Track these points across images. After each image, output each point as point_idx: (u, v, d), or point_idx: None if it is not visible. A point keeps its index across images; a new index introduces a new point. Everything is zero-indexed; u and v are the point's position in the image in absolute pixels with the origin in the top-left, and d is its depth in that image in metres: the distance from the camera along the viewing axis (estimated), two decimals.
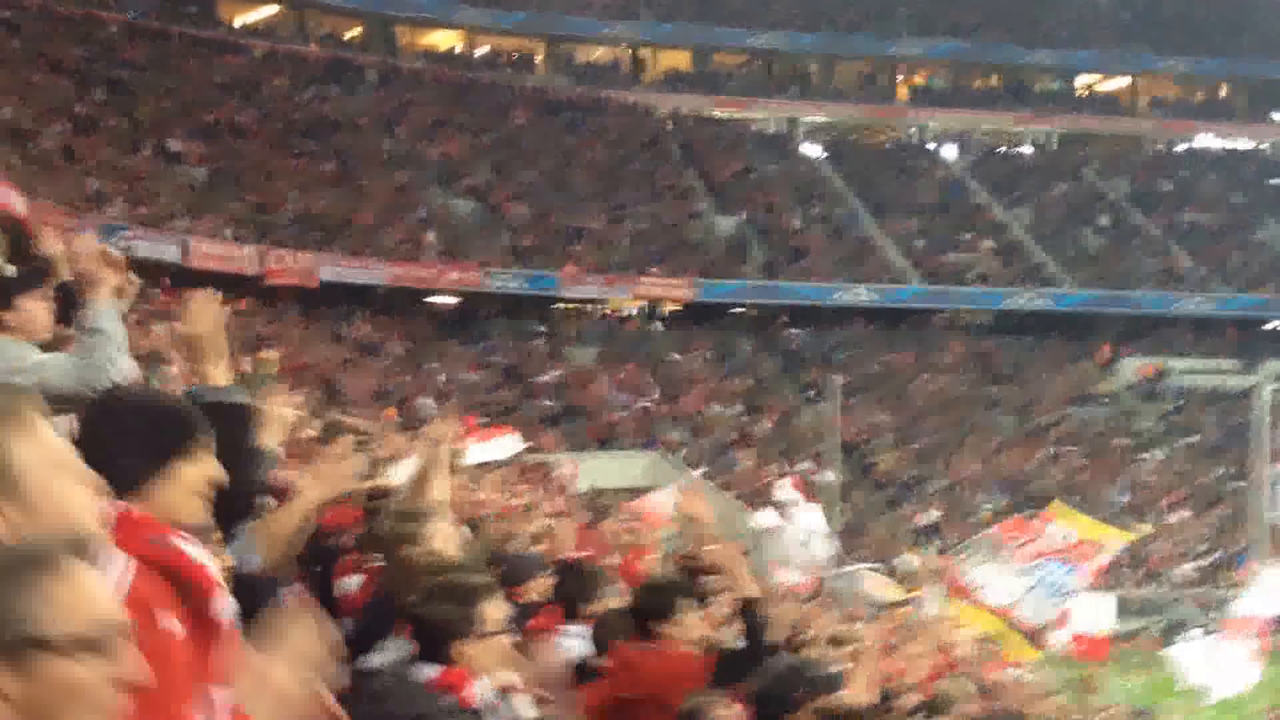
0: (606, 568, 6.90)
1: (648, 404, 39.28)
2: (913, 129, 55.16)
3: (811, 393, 40.76)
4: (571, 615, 5.55)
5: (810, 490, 26.59)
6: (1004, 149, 55.26)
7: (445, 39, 51.74)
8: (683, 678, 4.77)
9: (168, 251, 32.50)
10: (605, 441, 36.34)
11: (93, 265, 3.81)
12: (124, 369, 3.75)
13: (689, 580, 5.70)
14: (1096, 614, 19.54)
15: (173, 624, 2.30)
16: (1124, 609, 26.33)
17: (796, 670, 4.96)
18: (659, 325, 44.10)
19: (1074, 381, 44.79)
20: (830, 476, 34.90)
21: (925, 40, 53.97)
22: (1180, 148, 55.95)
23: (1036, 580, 17.68)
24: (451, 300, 40.78)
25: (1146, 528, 34.15)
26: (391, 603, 4.06)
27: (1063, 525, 18.02)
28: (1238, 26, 55.90)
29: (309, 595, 3.69)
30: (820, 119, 53.68)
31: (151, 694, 2.01)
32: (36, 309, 4.09)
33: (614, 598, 5.71)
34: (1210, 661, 13.56)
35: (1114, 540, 18.85)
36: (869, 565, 25.28)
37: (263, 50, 45.69)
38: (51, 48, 38.84)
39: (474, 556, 4.76)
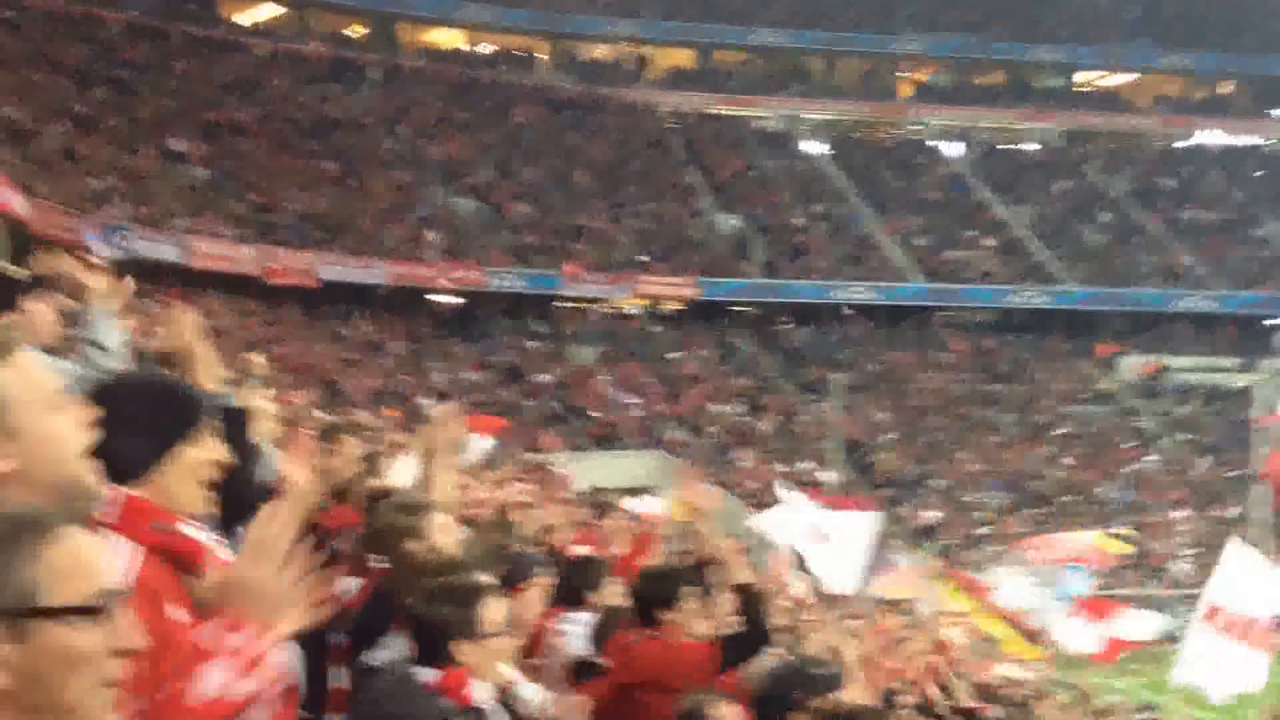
0: (608, 560, 6.91)
1: (649, 403, 39.29)
2: (914, 126, 55.09)
3: (813, 391, 40.77)
4: (576, 605, 5.57)
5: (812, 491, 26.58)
6: (1006, 146, 55.22)
7: (447, 37, 51.73)
8: (684, 663, 4.79)
9: (169, 251, 32.53)
10: (606, 440, 36.35)
11: (77, 275, 3.84)
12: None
13: (691, 569, 5.71)
14: (1140, 626, 19.62)
15: (179, 613, 2.31)
16: None
17: (796, 670, 4.97)
18: (660, 324, 44.10)
19: (1075, 379, 44.80)
20: (831, 475, 34.92)
21: (927, 37, 53.96)
22: (1182, 145, 55.90)
23: (1053, 586, 18.05)
24: (453, 299, 40.79)
25: (1131, 544, 34.09)
26: (391, 602, 4.07)
27: (1078, 536, 18.54)
28: (1240, 23, 55.87)
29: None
30: (822, 117, 53.64)
31: (158, 681, 2.03)
32: (41, 312, 4.11)
33: (615, 592, 5.72)
34: (1209, 662, 13.55)
35: (1118, 550, 19.27)
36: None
37: (264, 49, 45.70)
38: (52, 47, 38.85)
39: (474, 556, 4.76)
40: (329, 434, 6.14)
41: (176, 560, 2.38)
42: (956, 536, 36.05)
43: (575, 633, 5.43)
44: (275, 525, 2.16)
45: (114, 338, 3.85)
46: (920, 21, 53.85)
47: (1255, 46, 54.72)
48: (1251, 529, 34.71)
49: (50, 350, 4.02)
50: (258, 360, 5.25)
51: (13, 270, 4.39)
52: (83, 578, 1.74)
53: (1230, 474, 39.26)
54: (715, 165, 49.42)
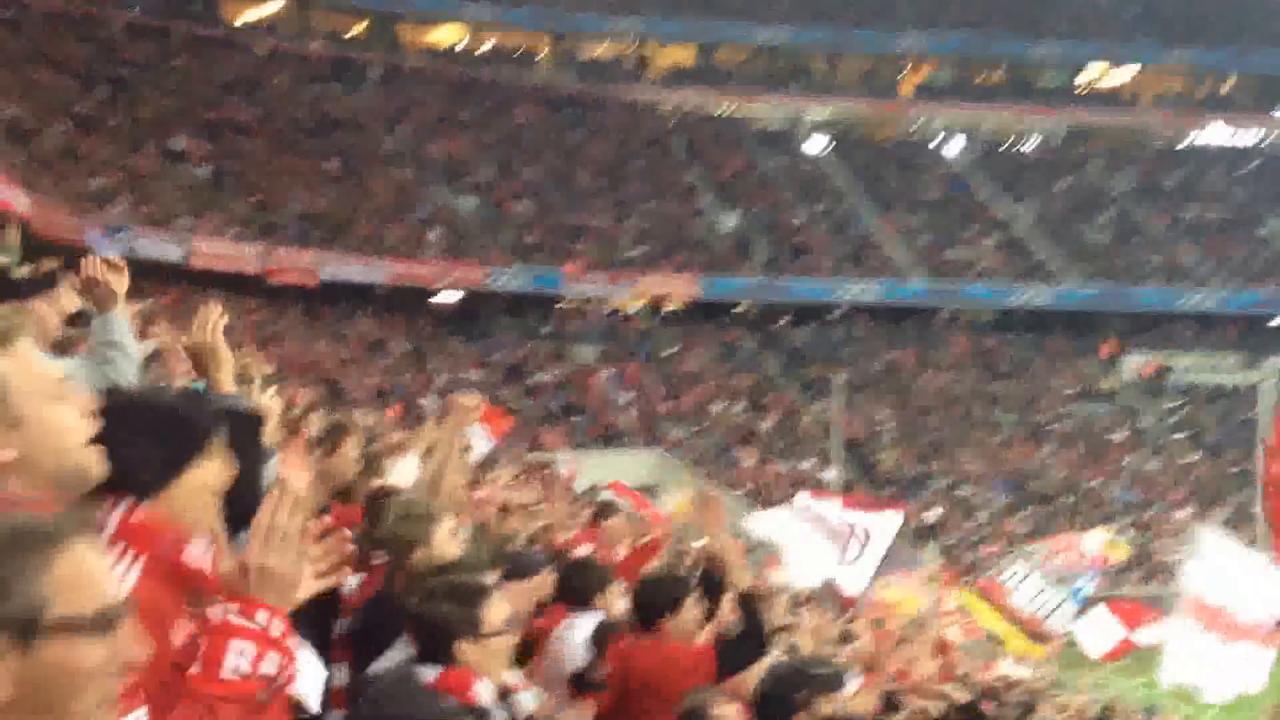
0: (611, 563, 6.90)
1: (650, 402, 39.28)
2: (916, 124, 55.05)
3: (814, 390, 40.76)
4: (577, 606, 5.56)
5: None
6: (1008, 144, 55.18)
7: (448, 36, 51.70)
8: (683, 668, 4.78)
9: (170, 251, 32.56)
10: (608, 439, 36.35)
11: (104, 279, 3.83)
12: (134, 383, 3.79)
13: (691, 574, 5.70)
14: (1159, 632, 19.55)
15: (181, 635, 2.31)
16: None
17: (798, 671, 4.95)
18: (661, 323, 44.09)
19: (1077, 379, 44.78)
20: (832, 474, 34.91)
21: (929, 35, 53.90)
22: (1185, 142, 55.84)
23: (1069, 587, 18.06)
24: (454, 299, 40.78)
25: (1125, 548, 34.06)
26: (391, 602, 4.06)
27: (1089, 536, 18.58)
28: (1243, 20, 55.77)
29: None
30: (824, 114, 53.61)
31: (157, 701, 2.02)
32: (46, 312, 4.11)
33: (617, 594, 5.71)
34: (1203, 660, 13.38)
35: (1121, 554, 19.31)
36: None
37: (265, 48, 45.68)
38: (54, 46, 38.86)
39: (477, 555, 4.75)
40: (329, 434, 6.12)
41: (180, 581, 2.38)
42: (957, 536, 36.06)
43: (577, 638, 5.41)
44: (280, 511, 2.18)
45: (133, 340, 3.85)
46: (922, 19, 53.79)
47: (1259, 43, 54.63)
48: (1254, 527, 34.70)
49: (54, 348, 4.02)
50: (257, 359, 5.25)
51: (16, 271, 4.39)
52: (90, 591, 1.73)
53: (1233, 473, 39.26)
54: (716, 163, 49.40)
